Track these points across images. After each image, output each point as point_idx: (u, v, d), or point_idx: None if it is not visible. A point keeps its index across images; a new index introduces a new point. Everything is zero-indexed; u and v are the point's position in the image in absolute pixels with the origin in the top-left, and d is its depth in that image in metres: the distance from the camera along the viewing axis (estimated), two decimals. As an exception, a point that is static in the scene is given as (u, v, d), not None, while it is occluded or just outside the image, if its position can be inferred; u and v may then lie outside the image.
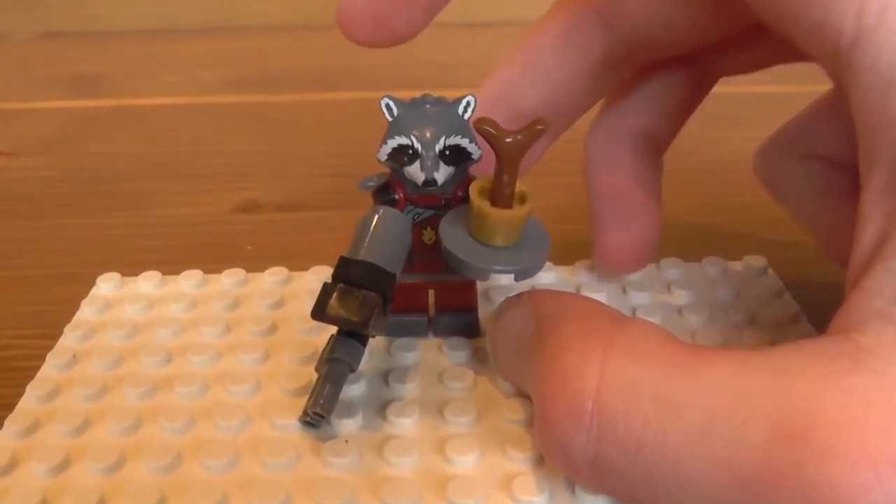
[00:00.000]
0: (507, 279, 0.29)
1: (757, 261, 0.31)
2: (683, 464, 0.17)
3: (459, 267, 0.23)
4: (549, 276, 0.30)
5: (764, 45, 0.26)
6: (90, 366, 0.26)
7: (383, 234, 0.23)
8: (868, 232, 0.18)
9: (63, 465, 0.22)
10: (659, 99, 0.28)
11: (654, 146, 0.29)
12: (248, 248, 0.36)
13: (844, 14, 0.17)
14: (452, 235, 0.23)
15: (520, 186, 0.23)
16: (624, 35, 0.25)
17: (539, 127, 0.22)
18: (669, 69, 0.28)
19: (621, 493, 0.19)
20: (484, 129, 0.22)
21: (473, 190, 0.23)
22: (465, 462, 0.22)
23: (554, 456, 0.19)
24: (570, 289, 0.30)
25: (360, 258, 0.23)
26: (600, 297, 0.29)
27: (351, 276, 0.23)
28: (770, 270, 0.31)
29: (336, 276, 0.23)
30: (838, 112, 0.26)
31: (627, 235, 0.28)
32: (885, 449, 0.15)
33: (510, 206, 0.23)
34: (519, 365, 0.22)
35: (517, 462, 0.22)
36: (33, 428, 0.23)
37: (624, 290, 0.30)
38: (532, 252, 0.24)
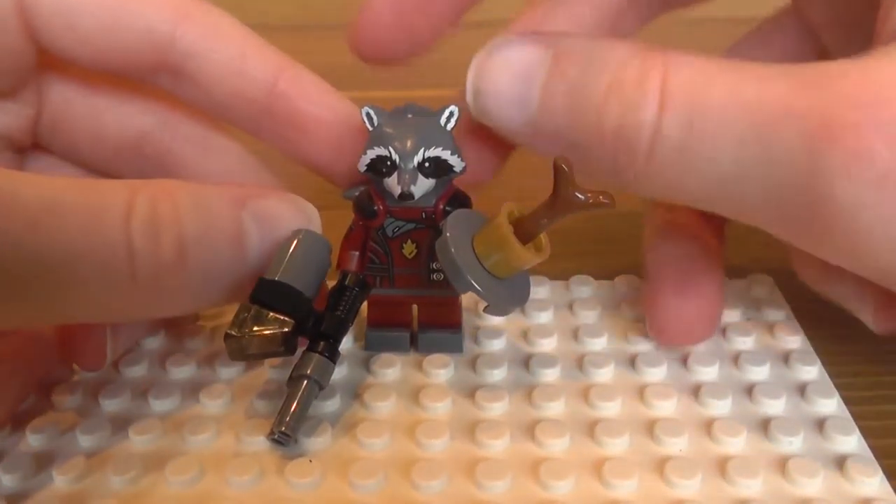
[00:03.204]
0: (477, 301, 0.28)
1: (762, 280, 0.30)
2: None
3: (450, 268, 0.22)
4: (541, 291, 0.29)
5: None
6: (69, 371, 0.26)
7: (301, 257, 0.23)
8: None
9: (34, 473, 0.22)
10: None
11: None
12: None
13: None
14: (457, 235, 0.22)
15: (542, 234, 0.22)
16: None
17: (606, 201, 0.20)
18: None
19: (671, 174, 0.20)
20: (561, 167, 0.20)
21: (504, 212, 0.22)
22: (432, 487, 0.21)
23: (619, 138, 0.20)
24: (563, 306, 0.29)
25: (276, 280, 0.22)
26: (593, 314, 0.28)
27: (266, 297, 0.22)
28: (776, 291, 0.29)
29: (252, 298, 0.22)
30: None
31: (687, 304, 0.25)
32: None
33: (525, 243, 0.22)
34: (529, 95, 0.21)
35: (487, 489, 0.21)
36: None
37: (618, 309, 0.29)
38: (513, 296, 0.23)
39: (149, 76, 0.25)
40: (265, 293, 0.22)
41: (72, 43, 0.23)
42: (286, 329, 0.22)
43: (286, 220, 0.23)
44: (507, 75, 0.22)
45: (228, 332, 0.22)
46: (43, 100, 0.25)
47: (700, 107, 0.19)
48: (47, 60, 0.25)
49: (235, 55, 0.25)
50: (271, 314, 0.22)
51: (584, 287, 0.30)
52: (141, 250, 0.20)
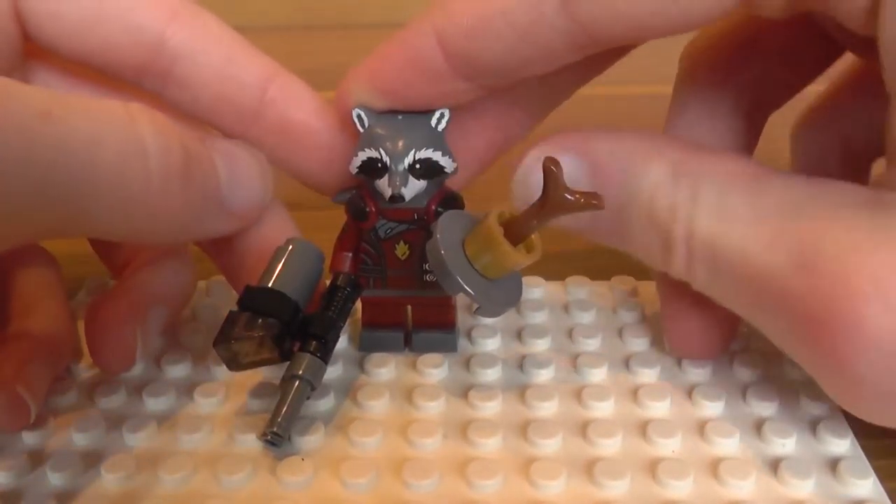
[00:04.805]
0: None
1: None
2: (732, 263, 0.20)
3: (439, 270, 0.22)
4: (536, 292, 0.29)
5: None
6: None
7: (292, 265, 0.23)
8: None
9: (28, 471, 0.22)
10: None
11: None
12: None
13: None
14: (447, 237, 0.22)
15: (534, 235, 0.22)
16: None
17: (595, 202, 0.21)
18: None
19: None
20: (550, 169, 0.20)
21: (494, 213, 0.22)
22: (424, 486, 0.21)
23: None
24: (558, 307, 0.29)
25: (262, 286, 0.23)
26: (588, 315, 0.28)
27: (253, 303, 0.22)
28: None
29: (240, 305, 0.23)
30: (863, 92, 0.27)
31: (700, 323, 0.25)
32: (878, 288, 0.18)
33: (516, 244, 0.22)
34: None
35: (478, 488, 0.21)
36: None
37: (614, 310, 0.29)
38: (505, 297, 0.23)
39: (134, 77, 0.24)
40: (251, 299, 0.23)
41: (57, 33, 0.23)
42: (274, 330, 0.22)
43: (243, 160, 0.23)
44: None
45: (217, 337, 0.22)
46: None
47: (718, 265, 0.21)
48: (31, 49, 0.24)
49: (225, 59, 0.24)
50: (259, 319, 0.22)
51: (580, 288, 0.30)
52: (153, 149, 0.19)
